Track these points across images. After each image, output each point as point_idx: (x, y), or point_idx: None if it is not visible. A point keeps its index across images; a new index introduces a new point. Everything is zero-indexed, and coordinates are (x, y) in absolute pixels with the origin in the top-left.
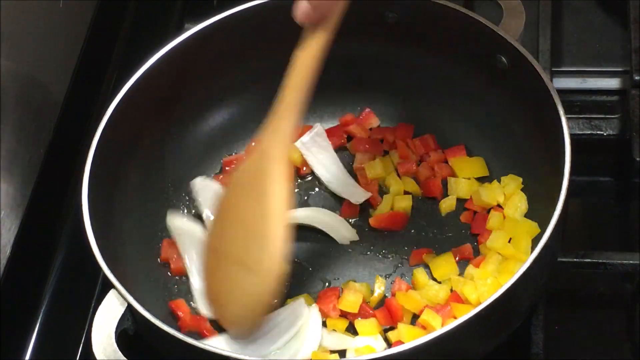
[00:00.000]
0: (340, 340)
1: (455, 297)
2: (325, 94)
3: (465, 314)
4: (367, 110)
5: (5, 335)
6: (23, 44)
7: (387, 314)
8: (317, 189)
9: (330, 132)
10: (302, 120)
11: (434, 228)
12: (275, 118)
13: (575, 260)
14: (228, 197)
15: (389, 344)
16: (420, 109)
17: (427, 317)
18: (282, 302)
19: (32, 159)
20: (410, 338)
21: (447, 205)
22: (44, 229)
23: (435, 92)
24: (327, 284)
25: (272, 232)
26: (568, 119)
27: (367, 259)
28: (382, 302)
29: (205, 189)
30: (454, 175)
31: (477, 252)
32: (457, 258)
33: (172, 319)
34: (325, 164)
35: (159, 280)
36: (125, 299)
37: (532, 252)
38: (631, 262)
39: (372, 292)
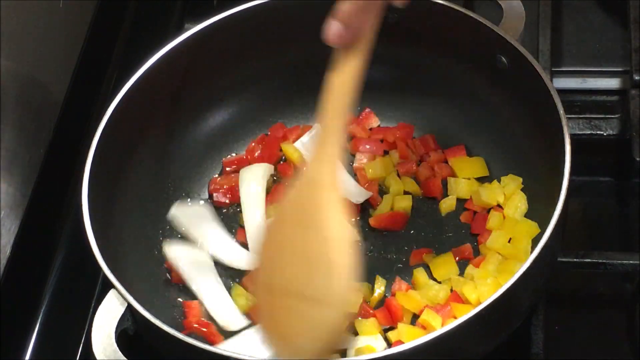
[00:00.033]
0: (341, 340)
1: (455, 297)
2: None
3: (465, 314)
4: (367, 110)
5: (5, 335)
6: (23, 44)
7: (387, 314)
8: None
9: None
10: (302, 120)
11: (434, 228)
12: (318, 146)
13: (575, 260)
14: (276, 231)
15: (389, 344)
16: (420, 109)
17: (427, 317)
18: None
19: (32, 159)
20: (410, 338)
21: (447, 205)
22: (44, 229)
23: (435, 92)
24: None
25: (337, 261)
26: (568, 119)
27: (367, 259)
28: (382, 302)
29: (185, 216)
30: (454, 175)
31: (477, 252)
32: (457, 258)
33: (172, 319)
34: None
35: (159, 280)
36: (125, 299)
37: (532, 252)
38: (631, 262)
39: (372, 292)
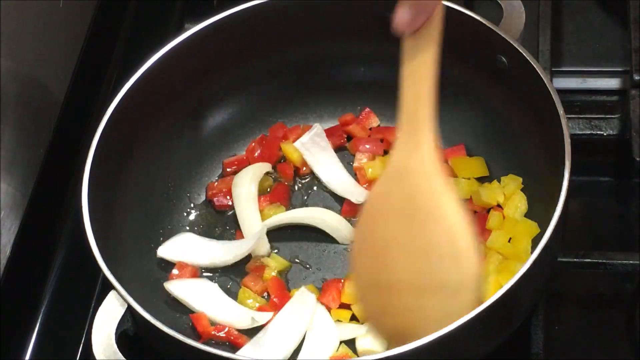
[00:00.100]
0: (348, 329)
1: None
2: (325, 94)
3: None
4: (367, 110)
5: (5, 335)
6: (23, 44)
7: None
8: (317, 189)
9: (329, 132)
10: (302, 120)
11: None
12: (410, 136)
13: (575, 260)
14: (375, 230)
15: None
16: None
17: None
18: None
19: (32, 159)
20: None
21: None
22: (44, 229)
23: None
24: (329, 284)
25: (462, 247)
26: (568, 119)
27: None
28: None
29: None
30: (454, 175)
31: None
32: None
33: (173, 319)
34: (325, 164)
35: (159, 280)
36: (125, 299)
37: (532, 252)
38: (631, 262)
39: None
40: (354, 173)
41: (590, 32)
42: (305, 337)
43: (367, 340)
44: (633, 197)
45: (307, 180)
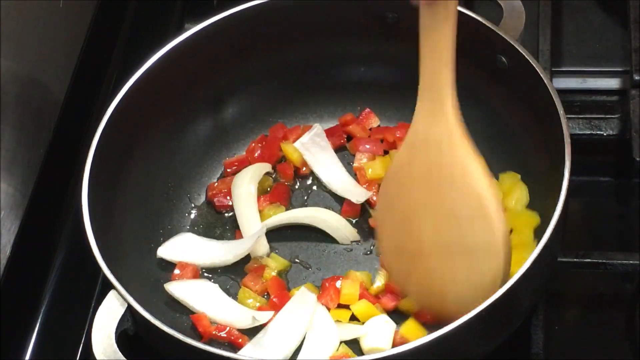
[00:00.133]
0: (348, 329)
1: None
2: (325, 94)
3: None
4: (367, 110)
5: (5, 335)
6: (23, 44)
7: (390, 296)
8: (317, 189)
9: (330, 132)
10: (302, 120)
11: None
12: (432, 104)
13: (575, 260)
14: (396, 197)
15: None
16: None
17: None
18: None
19: (32, 159)
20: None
21: None
22: (44, 229)
23: None
24: (327, 284)
25: (490, 211)
26: (568, 119)
27: (367, 258)
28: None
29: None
30: None
31: None
32: None
33: (172, 319)
34: (325, 164)
35: (159, 281)
36: (125, 299)
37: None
38: (631, 262)
39: (372, 282)
40: (354, 173)
41: (590, 32)
42: (305, 337)
43: (373, 339)
44: (633, 197)
45: (307, 180)
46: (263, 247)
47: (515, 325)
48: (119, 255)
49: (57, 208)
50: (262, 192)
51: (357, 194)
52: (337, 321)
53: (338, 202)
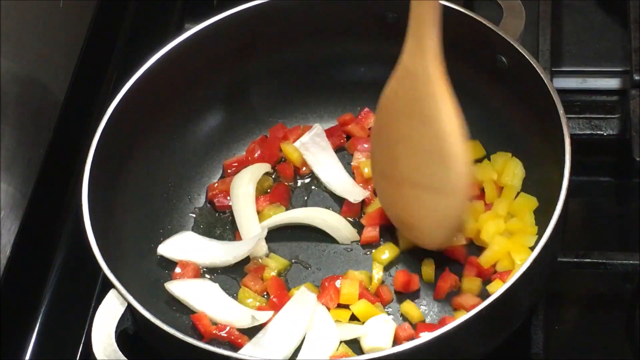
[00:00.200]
0: (348, 329)
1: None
2: (325, 94)
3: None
4: (366, 109)
5: (5, 335)
6: (23, 44)
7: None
8: (317, 189)
9: (329, 132)
10: (302, 120)
11: None
12: (416, 39)
13: (575, 260)
14: (387, 123)
15: (404, 319)
16: None
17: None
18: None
19: (32, 159)
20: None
21: None
22: (44, 229)
23: None
24: (327, 284)
25: (452, 152)
26: (568, 119)
27: (367, 258)
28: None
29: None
30: None
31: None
32: None
33: (172, 319)
34: (325, 164)
35: (160, 280)
36: (125, 298)
37: (532, 246)
38: (631, 262)
39: (370, 279)
40: (352, 172)
41: (590, 32)
42: (305, 337)
43: (373, 339)
44: (633, 197)
45: (307, 180)
46: (262, 248)
47: (515, 325)
48: (119, 255)
49: (57, 208)
50: (262, 192)
51: (354, 193)
52: (337, 321)
53: (338, 202)
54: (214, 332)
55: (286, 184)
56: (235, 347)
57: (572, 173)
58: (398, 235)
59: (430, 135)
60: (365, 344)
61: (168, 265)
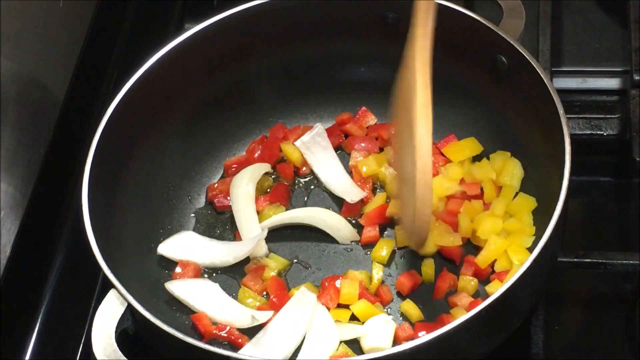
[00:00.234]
0: (348, 329)
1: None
2: (325, 94)
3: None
4: (363, 108)
5: (5, 335)
6: (23, 44)
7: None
8: (317, 189)
9: (328, 132)
10: (302, 120)
11: None
12: (411, 28)
13: (575, 260)
14: (396, 119)
15: (404, 319)
16: None
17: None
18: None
19: (32, 159)
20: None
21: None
22: (44, 229)
23: (435, 92)
24: (327, 284)
25: (417, 142)
26: (568, 119)
27: (367, 258)
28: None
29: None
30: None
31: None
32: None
33: (172, 319)
34: (325, 164)
35: (160, 280)
36: (125, 298)
37: (532, 250)
38: (631, 262)
39: (370, 279)
40: (350, 171)
41: (590, 32)
42: (305, 337)
43: (372, 339)
44: (633, 197)
45: (307, 180)
46: (262, 248)
47: (515, 325)
48: (119, 255)
49: (57, 208)
50: (261, 192)
51: (352, 193)
52: (337, 321)
53: (338, 202)
54: (214, 332)
55: (286, 184)
56: (235, 347)
57: (572, 173)
58: (395, 232)
59: (407, 124)
60: (365, 344)
61: (168, 265)
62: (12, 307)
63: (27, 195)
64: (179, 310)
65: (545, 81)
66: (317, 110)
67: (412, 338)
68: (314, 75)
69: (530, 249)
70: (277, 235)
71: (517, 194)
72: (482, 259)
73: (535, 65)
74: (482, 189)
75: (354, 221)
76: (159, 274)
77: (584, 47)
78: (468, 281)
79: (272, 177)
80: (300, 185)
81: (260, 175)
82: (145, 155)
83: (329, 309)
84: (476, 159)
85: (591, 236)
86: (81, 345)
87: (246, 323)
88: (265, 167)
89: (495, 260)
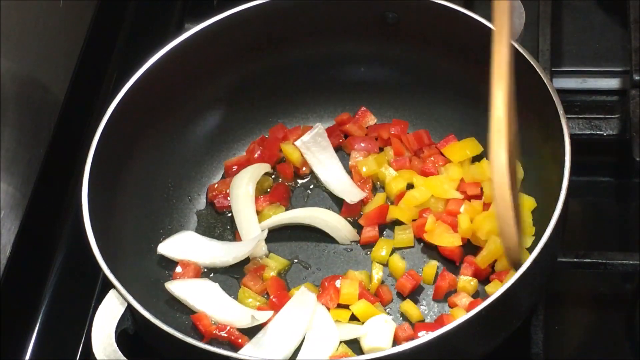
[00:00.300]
0: (348, 329)
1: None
2: (325, 94)
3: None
4: (363, 108)
5: (5, 335)
6: (23, 44)
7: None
8: (317, 189)
9: (327, 132)
10: (302, 120)
11: None
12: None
13: (575, 260)
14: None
15: (404, 319)
16: (419, 109)
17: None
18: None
19: (32, 159)
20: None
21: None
22: (44, 229)
23: (435, 92)
24: (327, 284)
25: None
26: (568, 119)
27: (367, 258)
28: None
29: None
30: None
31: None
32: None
33: (172, 319)
34: (325, 164)
35: (160, 280)
36: (125, 298)
37: (531, 248)
38: (631, 262)
39: (370, 279)
40: (349, 171)
41: (590, 32)
42: (305, 337)
43: (372, 339)
44: (633, 197)
45: (307, 180)
46: (262, 248)
47: (515, 325)
48: (119, 255)
49: (57, 208)
50: (261, 192)
51: (352, 194)
52: (337, 321)
53: (338, 202)
54: (214, 332)
55: (286, 184)
56: (235, 347)
57: (572, 173)
58: (394, 232)
59: None
60: (365, 344)
61: (168, 265)
62: (12, 307)
63: (27, 195)
64: (179, 310)
65: (545, 81)
66: (317, 110)
67: (412, 338)
68: (314, 75)
69: (530, 249)
70: (277, 235)
71: None
72: (482, 259)
73: (535, 65)
74: (482, 189)
75: (353, 221)
76: (159, 274)
77: (584, 47)
78: (468, 281)
79: (272, 177)
80: (300, 185)
81: (260, 176)
82: (145, 155)
83: (329, 309)
84: (476, 159)
85: (591, 236)
86: (81, 345)
87: (246, 323)
88: (265, 167)
89: (496, 260)
